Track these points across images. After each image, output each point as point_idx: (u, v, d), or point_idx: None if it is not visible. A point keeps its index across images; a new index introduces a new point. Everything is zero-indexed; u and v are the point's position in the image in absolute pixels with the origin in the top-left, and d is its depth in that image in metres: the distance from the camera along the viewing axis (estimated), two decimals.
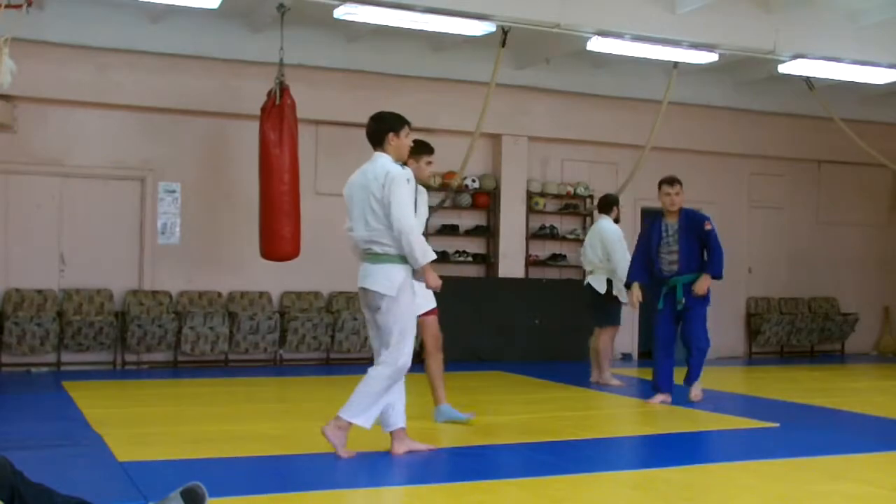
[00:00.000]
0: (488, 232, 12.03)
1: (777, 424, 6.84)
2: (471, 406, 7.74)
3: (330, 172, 11.00)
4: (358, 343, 10.93)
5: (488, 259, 12.04)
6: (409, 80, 11.37)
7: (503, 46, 9.62)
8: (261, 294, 10.96)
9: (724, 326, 13.29)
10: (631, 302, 7.97)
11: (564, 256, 12.33)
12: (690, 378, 8.02)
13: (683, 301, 7.75)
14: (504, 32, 9.45)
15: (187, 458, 5.19)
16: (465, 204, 11.87)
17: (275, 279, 10.86)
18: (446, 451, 5.64)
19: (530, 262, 12.18)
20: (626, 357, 12.56)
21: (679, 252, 7.77)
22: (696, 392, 8.02)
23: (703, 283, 7.72)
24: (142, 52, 10.24)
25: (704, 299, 7.83)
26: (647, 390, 8.53)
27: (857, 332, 13.93)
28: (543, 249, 12.38)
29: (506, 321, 11.49)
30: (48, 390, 8.38)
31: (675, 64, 10.51)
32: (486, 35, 9.53)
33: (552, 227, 12.33)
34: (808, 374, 11.19)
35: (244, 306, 10.83)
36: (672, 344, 7.93)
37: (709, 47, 10.01)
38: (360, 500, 4.49)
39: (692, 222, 7.85)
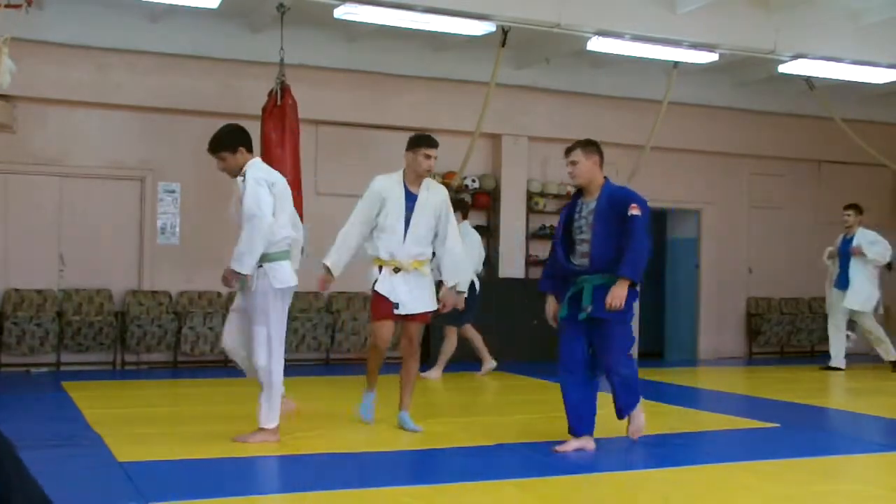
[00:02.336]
0: (488, 232, 12.02)
1: (777, 424, 6.84)
2: (471, 406, 7.75)
3: (330, 172, 11.02)
4: (358, 343, 10.93)
5: (488, 259, 12.04)
6: (409, 80, 11.37)
7: (503, 46, 9.62)
8: None
9: (724, 326, 13.30)
10: (548, 316, 5.95)
11: None
12: (620, 411, 5.93)
13: (589, 310, 5.58)
14: (504, 32, 9.45)
15: (187, 458, 5.19)
16: None
17: None
18: (446, 451, 5.64)
19: (530, 262, 12.18)
20: None
21: (591, 241, 5.67)
22: (635, 427, 6.01)
23: (619, 292, 5.47)
24: (142, 52, 10.24)
25: (622, 310, 5.60)
26: (646, 391, 8.51)
27: (857, 333, 13.90)
28: (543, 249, 12.36)
29: (506, 321, 11.48)
30: (48, 390, 8.37)
31: (675, 64, 10.51)
32: (486, 35, 9.53)
33: (552, 227, 12.33)
34: (808, 374, 11.18)
35: None
36: (583, 366, 5.74)
37: (709, 47, 10.01)
38: (360, 500, 4.49)
39: (614, 203, 5.74)
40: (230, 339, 5.78)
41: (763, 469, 5.26)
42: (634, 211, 5.67)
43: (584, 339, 5.68)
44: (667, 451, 5.97)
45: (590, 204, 5.79)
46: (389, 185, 6.19)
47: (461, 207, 10.06)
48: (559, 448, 5.59)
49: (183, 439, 5.86)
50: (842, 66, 10.51)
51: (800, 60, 10.30)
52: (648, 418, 6.65)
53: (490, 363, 9.99)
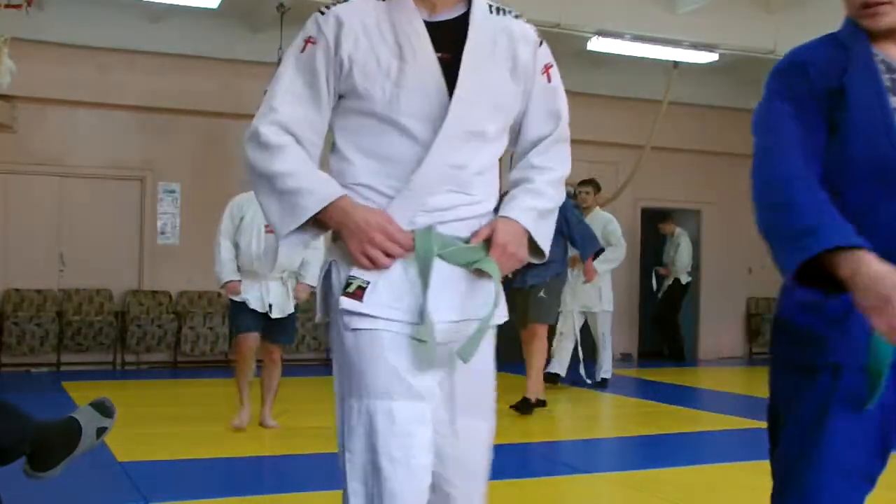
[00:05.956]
0: None
1: None
2: None
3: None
4: None
5: None
6: None
7: None
8: None
9: (724, 326, 13.30)
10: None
11: None
12: None
13: None
14: None
15: (187, 458, 5.18)
16: None
17: None
18: None
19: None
20: (625, 357, 12.55)
21: None
22: None
23: None
24: (142, 52, 10.24)
25: None
26: (646, 391, 8.50)
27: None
28: None
29: (506, 321, 11.45)
30: (48, 391, 8.37)
31: (676, 64, 10.51)
32: None
33: None
34: None
35: None
36: None
37: (709, 47, 10.02)
38: None
39: None
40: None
41: (763, 469, 5.26)
42: None
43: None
44: (667, 451, 5.97)
45: None
46: None
47: None
48: None
49: (183, 439, 5.86)
50: None
51: None
52: (648, 418, 6.66)
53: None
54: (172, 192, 10.65)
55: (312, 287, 6.20)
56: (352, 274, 1.98)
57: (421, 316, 1.95)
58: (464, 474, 2.07)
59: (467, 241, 2.03)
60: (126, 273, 10.50)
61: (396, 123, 2.01)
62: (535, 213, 2.14)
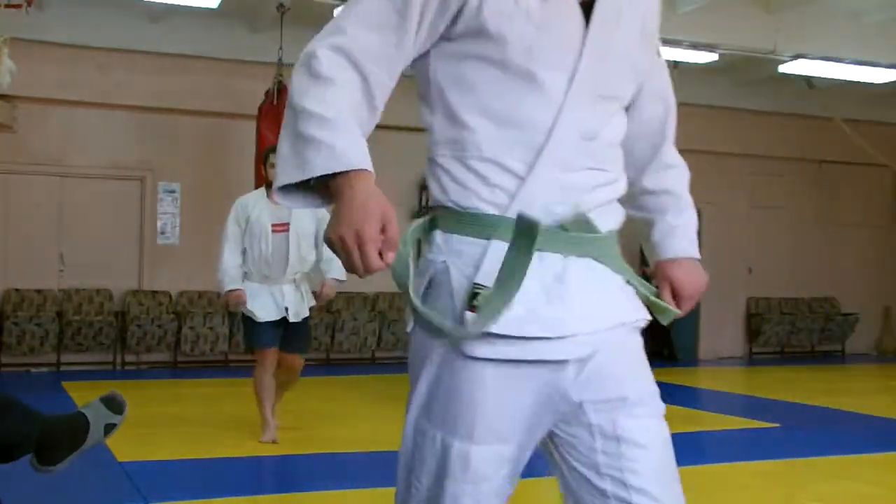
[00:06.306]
0: None
1: (777, 424, 6.84)
2: None
3: None
4: (358, 343, 10.92)
5: None
6: (409, 80, 11.29)
7: None
8: None
9: (724, 326, 13.30)
10: None
11: None
12: None
13: None
14: None
15: (187, 458, 5.18)
16: None
17: None
18: None
19: None
20: None
21: None
22: None
23: None
24: (142, 52, 10.24)
25: None
26: None
27: (857, 333, 13.92)
28: None
29: None
30: (48, 391, 8.38)
31: (676, 64, 10.51)
32: None
33: None
34: (808, 375, 11.18)
35: None
36: None
37: (709, 47, 10.01)
38: (359, 500, 4.49)
39: None
40: None
41: (763, 469, 5.26)
42: None
43: None
44: None
45: None
46: None
47: None
48: None
49: (183, 439, 5.87)
50: (842, 66, 10.51)
51: (800, 60, 10.30)
52: None
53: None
54: (172, 192, 10.66)
55: (340, 281, 5.72)
56: (477, 281, 1.56)
57: (560, 328, 1.59)
58: (659, 482, 1.67)
59: (604, 234, 1.68)
60: (126, 273, 10.50)
61: (533, 77, 1.59)
62: (695, 235, 1.93)
